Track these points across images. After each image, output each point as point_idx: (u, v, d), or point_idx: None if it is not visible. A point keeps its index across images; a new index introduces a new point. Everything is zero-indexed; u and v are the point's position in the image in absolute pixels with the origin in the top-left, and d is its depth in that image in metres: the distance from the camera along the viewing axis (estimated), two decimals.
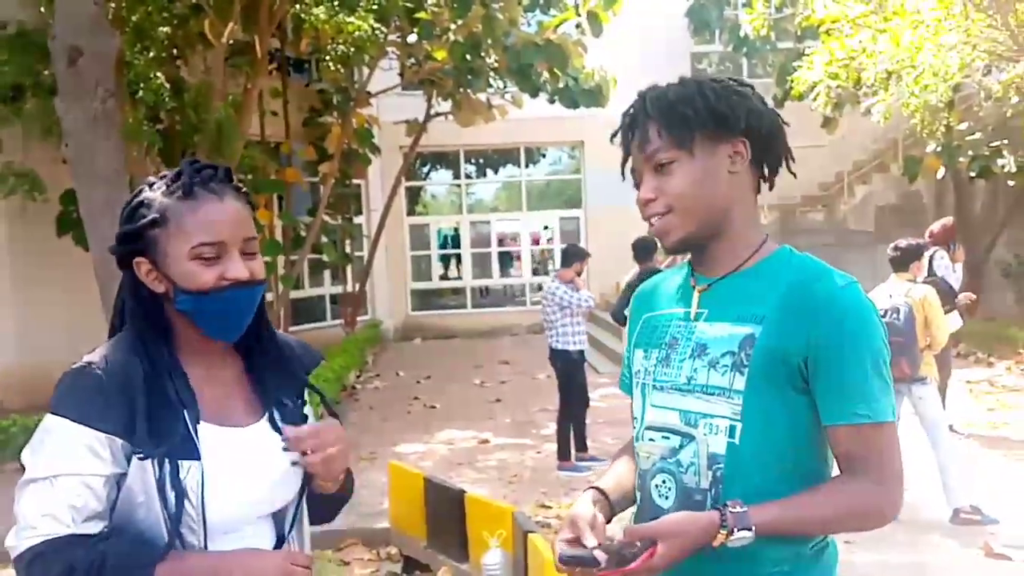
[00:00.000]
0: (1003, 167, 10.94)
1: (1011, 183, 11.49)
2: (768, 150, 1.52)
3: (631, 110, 1.54)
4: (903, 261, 5.36)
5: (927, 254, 6.99)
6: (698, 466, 1.44)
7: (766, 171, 1.54)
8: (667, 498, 1.49)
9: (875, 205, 13.82)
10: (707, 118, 1.46)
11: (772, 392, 1.41)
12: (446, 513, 4.53)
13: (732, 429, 1.42)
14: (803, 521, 1.40)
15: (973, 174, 11.42)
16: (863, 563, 4.34)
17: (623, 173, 1.58)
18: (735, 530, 1.32)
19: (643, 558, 1.28)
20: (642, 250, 6.55)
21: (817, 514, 1.40)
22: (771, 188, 1.58)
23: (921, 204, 13.87)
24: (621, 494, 1.61)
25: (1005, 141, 11.22)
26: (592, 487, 1.60)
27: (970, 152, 11.33)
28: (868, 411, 1.39)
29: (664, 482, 1.49)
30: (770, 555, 1.40)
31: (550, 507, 5.68)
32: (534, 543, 3.55)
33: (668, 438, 1.49)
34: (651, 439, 1.53)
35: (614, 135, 1.59)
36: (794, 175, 1.56)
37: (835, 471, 1.49)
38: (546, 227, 17.52)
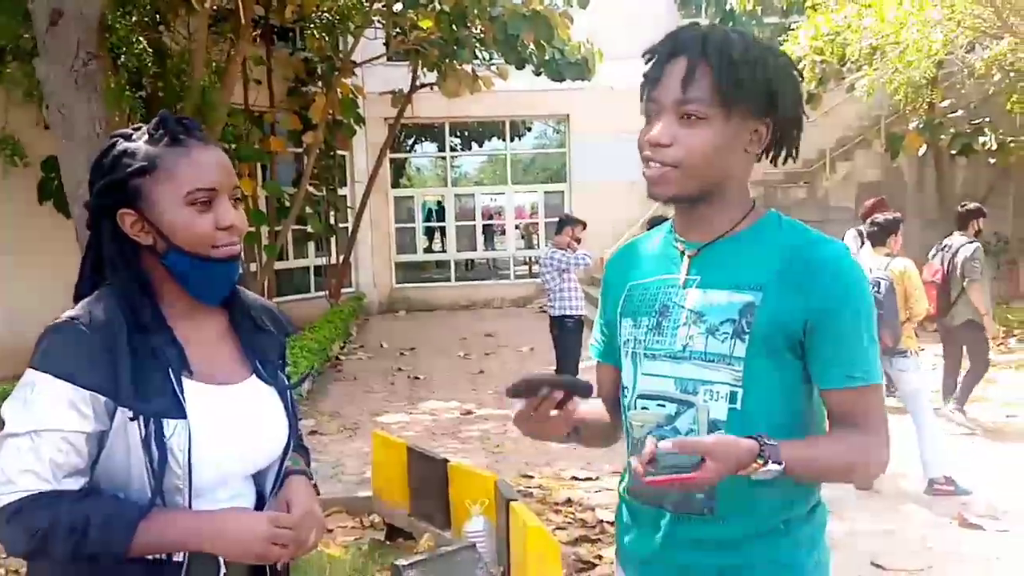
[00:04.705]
0: (984, 144, 11.04)
1: (992, 161, 11.59)
2: (784, 139, 1.49)
3: (683, 38, 1.42)
4: (881, 235, 5.43)
5: (855, 230, 7.23)
6: (698, 432, 1.44)
7: (769, 153, 1.51)
8: None
9: (857, 182, 13.88)
10: (761, 92, 1.40)
11: (772, 358, 1.42)
12: (429, 482, 4.57)
13: (733, 395, 1.43)
14: (816, 463, 1.42)
15: (954, 151, 11.51)
16: (837, 531, 4.42)
17: (641, 98, 1.47)
18: (769, 461, 1.33)
19: (699, 472, 1.29)
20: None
21: (828, 458, 1.42)
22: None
23: (902, 181, 13.96)
24: (592, 425, 1.65)
25: (987, 119, 11.32)
26: None
27: (952, 129, 11.42)
28: (864, 374, 1.42)
29: None
30: (767, 511, 1.44)
31: (532, 476, 5.75)
32: (516, 511, 3.58)
33: (663, 406, 1.49)
34: (644, 407, 1.52)
35: (648, 52, 1.46)
36: (794, 159, 1.53)
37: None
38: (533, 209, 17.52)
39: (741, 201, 1.50)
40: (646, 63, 1.46)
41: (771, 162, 1.53)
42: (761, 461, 1.33)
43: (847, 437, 1.44)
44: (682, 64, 1.39)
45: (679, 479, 1.30)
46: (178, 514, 1.37)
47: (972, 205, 6.84)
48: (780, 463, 1.33)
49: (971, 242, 6.55)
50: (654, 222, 6.40)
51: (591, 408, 1.68)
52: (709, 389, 1.44)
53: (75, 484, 1.33)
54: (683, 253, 1.52)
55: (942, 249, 6.71)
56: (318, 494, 1.59)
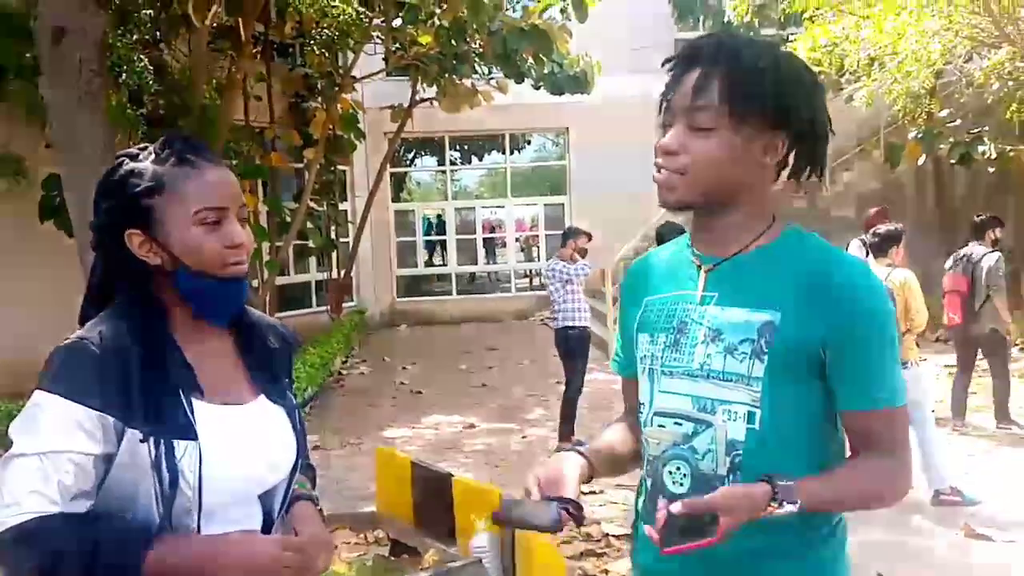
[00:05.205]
0: (983, 153, 11.03)
1: (991, 169, 11.58)
2: (805, 157, 1.46)
3: (700, 47, 1.41)
4: (882, 247, 5.42)
5: (859, 240, 7.25)
6: (715, 452, 1.42)
7: (791, 169, 1.48)
8: (682, 485, 1.46)
9: (857, 192, 13.90)
10: (773, 105, 1.37)
11: (791, 379, 1.39)
12: (433, 497, 4.55)
13: (751, 415, 1.40)
14: (837, 497, 1.41)
15: (954, 161, 11.51)
16: None
17: (659, 108, 1.46)
18: (784, 503, 1.32)
19: (716, 536, 1.28)
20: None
21: (848, 491, 1.41)
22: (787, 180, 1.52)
23: (902, 191, 13.97)
24: (607, 462, 1.59)
25: (986, 128, 11.31)
26: (576, 450, 1.57)
27: (951, 139, 11.42)
28: (888, 396, 1.40)
29: (679, 468, 1.46)
30: (787, 532, 1.41)
31: None
32: None
33: (680, 424, 1.46)
34: (661, 425, 1.49)
35: (668, 61, 1.46)
36: (821, 182, 1.52)
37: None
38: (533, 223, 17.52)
39: (759, 215, 1.47)
40: (667, 73, 1.46)
41: (796, 180, 1.50)
42: (775, 504, 1.32)
43: (868, 465, 1.42)
44: (696, 73, 1.39)
45: (697, 546, 1.28)
46: (186, 538, 1.35)
47: (988, 215, 6.83)
48: (795, 502, 1.32)
49: (992, 251, 6.55)
50: (664, 231, 6.39)
51: (607, 443, 1.65)
52: (727, 408, 1.42)
53: (82, 507, 1.31)
54: (700, 268, 1.49)
55: (960, 259, 6.69)
56: (323, 518, 1.59)
